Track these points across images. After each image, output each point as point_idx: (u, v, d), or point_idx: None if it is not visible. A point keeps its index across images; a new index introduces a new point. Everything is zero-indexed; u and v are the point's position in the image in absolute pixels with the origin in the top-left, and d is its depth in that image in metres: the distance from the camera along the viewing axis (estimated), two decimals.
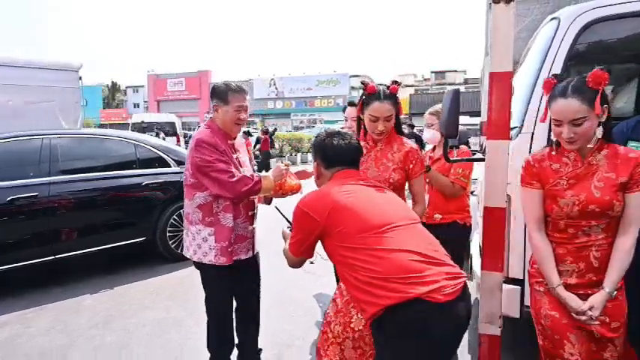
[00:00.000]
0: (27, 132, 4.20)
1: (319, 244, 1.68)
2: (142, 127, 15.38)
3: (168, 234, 4.66)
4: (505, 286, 1.95)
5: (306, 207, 1.62)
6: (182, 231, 3.51)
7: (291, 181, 2.42)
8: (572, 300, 1.61)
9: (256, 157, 13.56)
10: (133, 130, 14.01)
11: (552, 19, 2.20)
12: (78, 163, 4.27)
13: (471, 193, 3.09)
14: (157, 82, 48.88)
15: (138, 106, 52.05)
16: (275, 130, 20.11)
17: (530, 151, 2.03)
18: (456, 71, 53.14)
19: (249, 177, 2.21)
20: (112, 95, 55.99)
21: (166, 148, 5.00)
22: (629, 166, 1.57)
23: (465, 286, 1.47)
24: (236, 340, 2.50)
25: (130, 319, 3.40)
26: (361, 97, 2.15)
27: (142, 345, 3.01)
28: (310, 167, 1.97)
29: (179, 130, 17.85)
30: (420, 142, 6.73)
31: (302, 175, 2.56)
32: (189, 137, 9.81)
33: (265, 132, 15.81)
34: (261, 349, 2.61)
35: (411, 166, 2.12)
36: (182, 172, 2.49)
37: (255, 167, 2.61)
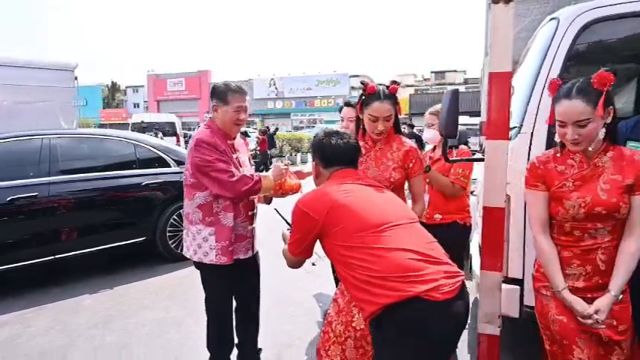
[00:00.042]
0: (27, 132, 4.20)
1: (318, 245, 1.68)
2: (142, 127, 15.37)
3: (168, 234, 4.66)
4: (504, 286, 1.94)
5: (305, 206, 1.63)
6: (182, 231, 3.52)
7: (291, 181, 2.43)
8: (577, 303, 1.59)
9: (254, 157, 13.55)
10: (132, 130, 14.01)
11: (552, 19, 2.20)
12: (78, 163, 4.28)
13: (471, 193, 3.09)
14: (157, 82, 48.81)
15: (138, 106, 51.97)
16: (276, 129, 20.11)
17: (529, 151, 2.03)
18: (455, 71, 53.18)
19: (249, 176, 2.22)
20: (112, 95, 55.95)
21: (166, 148, 5.00)
22: (635, 168, 1.56)
23: (462, 285, 1.47)
24: (236, 340, 2.51)
25: (129, 319, 3.40)
26: (361, 97, 2.15)
27: (142, 345, 3.02)
28: (310, 167, 1.97)
29: (179, 130, 17.86)
30: (420, 142, 6.73)
31: (298, 175, 2.57)
32: (189, 137, 9.80)
33: (263, 132, 15.74)
34: (260, 349, 2.62)
35: (411, 165, 2.12)
36: (182, 172, 2.49)
37: (253, 168, 2.62)
